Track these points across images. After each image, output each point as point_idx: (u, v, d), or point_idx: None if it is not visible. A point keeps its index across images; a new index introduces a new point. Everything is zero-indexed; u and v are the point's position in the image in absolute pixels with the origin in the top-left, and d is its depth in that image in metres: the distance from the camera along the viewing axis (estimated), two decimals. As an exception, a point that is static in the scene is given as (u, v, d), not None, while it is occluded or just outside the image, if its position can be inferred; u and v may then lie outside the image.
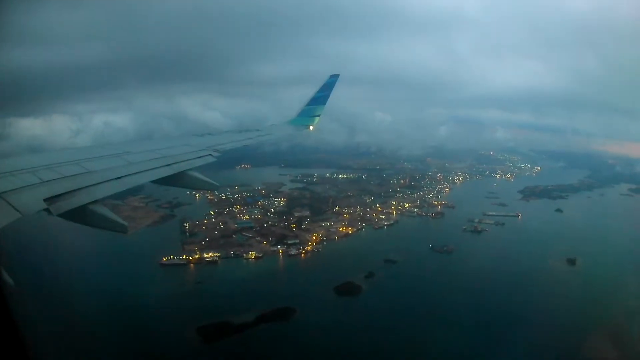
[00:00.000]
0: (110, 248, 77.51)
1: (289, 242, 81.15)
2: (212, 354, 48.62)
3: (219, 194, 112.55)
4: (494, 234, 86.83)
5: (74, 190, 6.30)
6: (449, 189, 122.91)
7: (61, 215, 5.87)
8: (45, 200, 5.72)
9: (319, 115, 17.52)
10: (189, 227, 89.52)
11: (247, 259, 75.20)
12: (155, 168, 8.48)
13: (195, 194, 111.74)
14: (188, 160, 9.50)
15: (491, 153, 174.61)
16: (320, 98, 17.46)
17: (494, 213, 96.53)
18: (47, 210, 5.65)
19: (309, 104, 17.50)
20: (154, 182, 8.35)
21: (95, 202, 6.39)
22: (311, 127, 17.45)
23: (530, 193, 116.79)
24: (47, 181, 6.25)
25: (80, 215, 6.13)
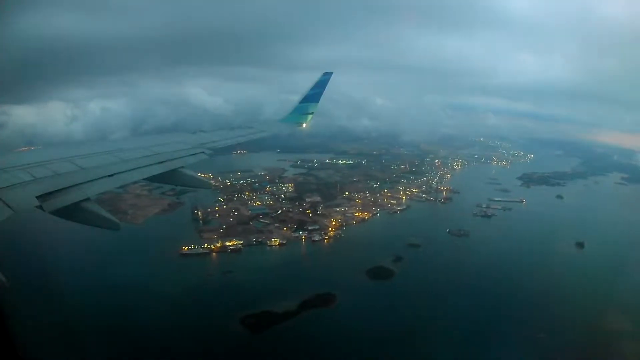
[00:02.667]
0: (123, 239, 73.78)
1: (310, 227, 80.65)
2: (264, 344, 47.84)
3: (223, 180, 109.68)
4: (503, 219, 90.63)
5: (67, 188, 6.30)
6: (450, 175, 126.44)
7: (54, 213, 5.85)
8: (38, 197, 5.71)
9: (312, 113, 17.36)
10: (201, 214, 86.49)
11: (271, 245, 74.00)
12: (148, 165, 8.46)
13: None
14: (181, 158, 9.46)
15: (481, 140, 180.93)
16: (314, 95, 17.23)
17: (499, 199, 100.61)
18: (40, 207, 5.60)
19: (302, 102, 17.26)
20: (146, 179, 8.29)
21: (88, 199, 6.38)
22: (304, 125, 17.30)
23: (528, 180, 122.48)
24: (40, 178, 6.25)
25: (73, 212, 6.14)
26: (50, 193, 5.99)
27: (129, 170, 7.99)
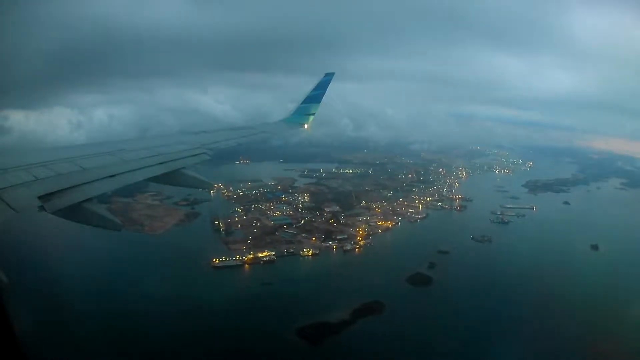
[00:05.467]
0: (148, 250, 72.79)
1: (338, 237, 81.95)
2: (328, 355, 48.66)
3: (235, 190, 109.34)
4: (519, 225, 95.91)
5: (69, 188, 6.39)
6: (458, 184, 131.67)
7: (55, 213, 5.96)
8: (39, 197, 5.79)
9: (313, 114, 17.66)
10: (222, 225, 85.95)
11: (304, 256, 74.66)
12: (150, 166, 8.63)
13: (209, 190, 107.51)
14: (183, 158, 9.69)
15: (478, 148, 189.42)
16: (315, 96, 17.60)
17: (511, 206, 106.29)
18: (41, 207, 5.70)
19: (303, 102, 17.66)
20: (148, 180, 8.47)
21: (90, 199, 6.51)
22: (306, 126, 17.56)
23: (534, 187, 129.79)
24: (41, 179, 6.34)
25: (75, 213, 6.26)
26: (52, 193, 6.02)
27: (131, 170, 8.07)
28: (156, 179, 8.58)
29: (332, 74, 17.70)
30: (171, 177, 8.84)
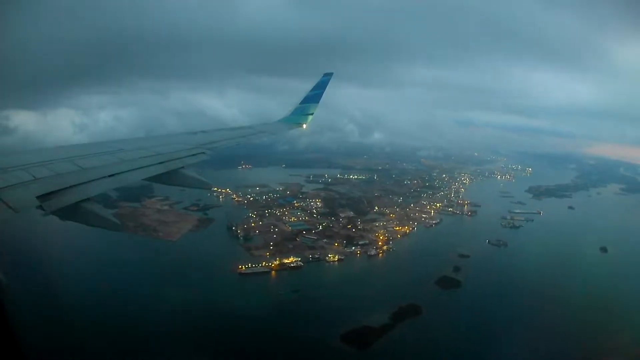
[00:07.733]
0: (170, 257, 72.05)
1: (360, 242, 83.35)
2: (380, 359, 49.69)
3: (244, 195, 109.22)
4: (530, 229, 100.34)
5: (67, 188, 6.47)
6: (464, 189, 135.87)
7: (54, 213, 6.05)
8: (38, 197, 5.85)
9: (312, 114, 17.86)
10: (240, 231, 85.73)
11: (329, 262, 75.52)
12: (149, 166, 8.75)
13: (218, 196, 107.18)
14: (181, 158, 9.85)
15: (476, 154, 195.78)
16: (314, 96, 17.86)
17: (519, 211, 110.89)
18: (40, 207, 5.78)
19: (302, 102, 17.92)
20: (147, 180, 8.62)
21: (88, 199, 6.59)
22: (304, 126, 17.77)
23: (537, 192, 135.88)
24: (40, 178, 6.41)
25: (74, 213, 6.35)
26: (51, 193, 6.09)
27: (130, 170, 8.18)
28: (155, 179, 8.69)
29: (331, 74, 17.95)
30: (170, 177, 8.96)
